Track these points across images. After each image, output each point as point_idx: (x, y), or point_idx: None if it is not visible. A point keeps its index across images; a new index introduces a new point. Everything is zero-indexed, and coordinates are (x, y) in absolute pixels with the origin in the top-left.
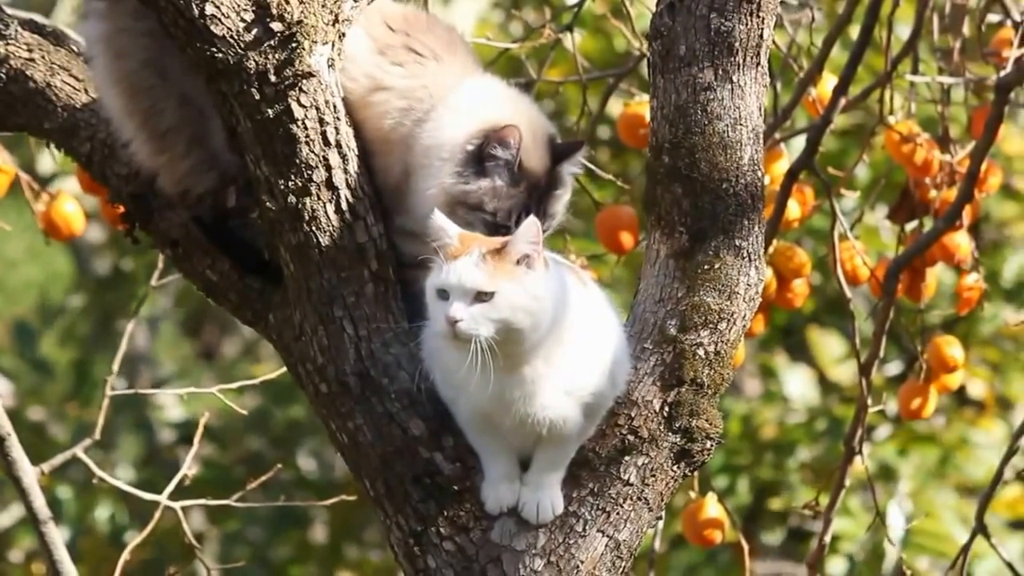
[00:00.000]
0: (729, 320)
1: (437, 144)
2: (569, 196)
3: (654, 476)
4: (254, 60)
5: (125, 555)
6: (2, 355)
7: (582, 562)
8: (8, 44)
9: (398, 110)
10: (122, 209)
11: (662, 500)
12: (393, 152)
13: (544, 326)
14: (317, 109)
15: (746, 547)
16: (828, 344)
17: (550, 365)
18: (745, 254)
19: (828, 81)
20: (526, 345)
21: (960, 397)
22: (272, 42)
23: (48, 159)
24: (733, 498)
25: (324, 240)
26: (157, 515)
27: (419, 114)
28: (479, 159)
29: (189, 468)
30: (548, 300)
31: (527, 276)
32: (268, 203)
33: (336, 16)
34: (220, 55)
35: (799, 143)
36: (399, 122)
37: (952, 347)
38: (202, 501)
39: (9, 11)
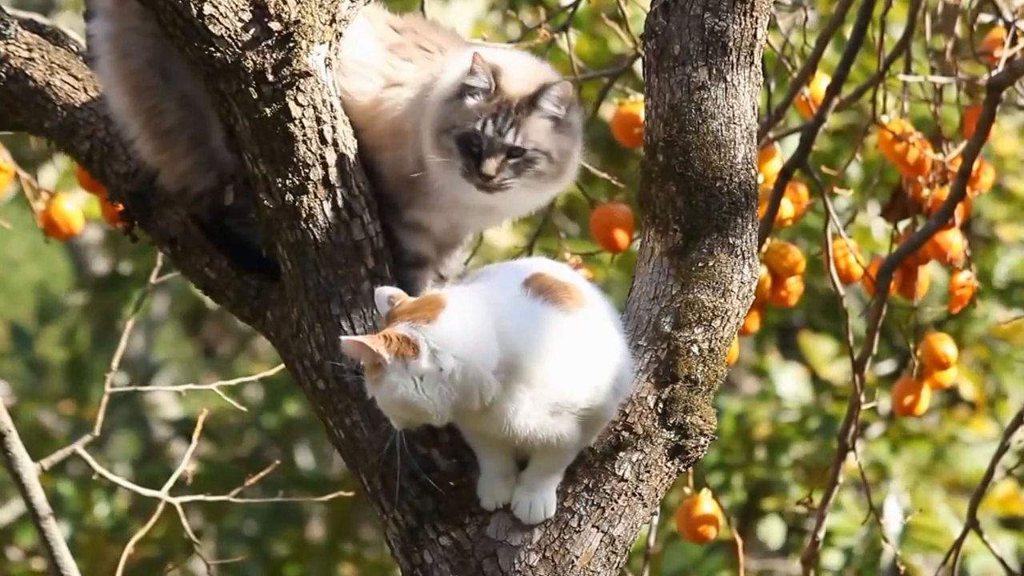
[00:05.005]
0: (723, 317)
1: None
2: (574, 143)
3: (648, 472)
4: (252, 59)
5: (128, 548)
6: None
7: (577, 557)
8: (8, 43)
9: (409, 100)
10: (121, 207)
11: (656, 496)
12: (406, 143)
13: (438, 409)
14: (314, 108)
15: (740, 544)
16: (820, 343)
17: (517, 402)
18: (739, 252)
19: (821, 81)
20: (438, 422)
21: (952, 396)
22: (270, 42)
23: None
24: (728, 496)
25: (321, 238)
26: (160, 511)
27: (428, 99)
28: (459, 94)
29: (188, 464)
30: (434, 396)
31: (389, 376)
32: (266, 201)
33: (333, 16)
34: (218, 54)
35: (793, 142)
36: (410, 111)
37: (945, 344)
38: (201, 497)
39: (9, 11)
